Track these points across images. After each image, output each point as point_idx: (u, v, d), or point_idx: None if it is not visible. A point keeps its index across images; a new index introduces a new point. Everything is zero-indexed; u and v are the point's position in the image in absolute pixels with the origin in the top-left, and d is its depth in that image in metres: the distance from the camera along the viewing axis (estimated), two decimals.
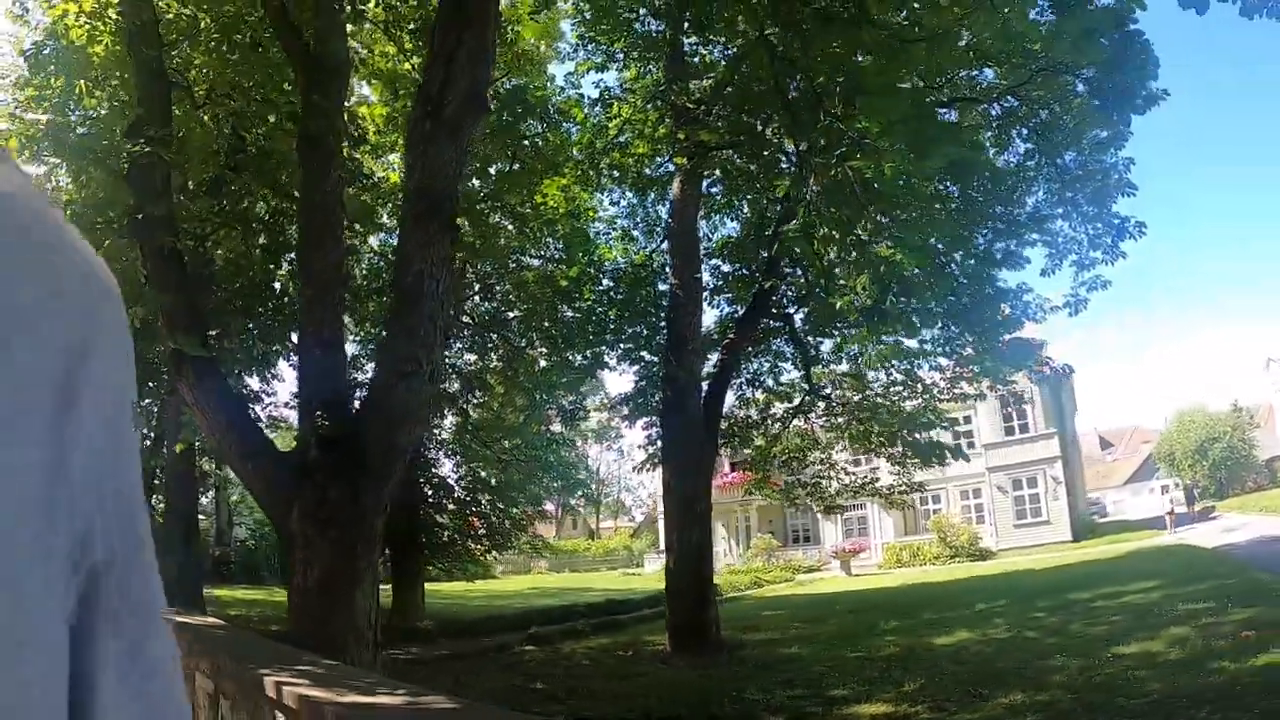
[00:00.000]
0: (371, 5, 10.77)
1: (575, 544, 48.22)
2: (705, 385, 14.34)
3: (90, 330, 0.46)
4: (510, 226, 17.36)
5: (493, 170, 16.05)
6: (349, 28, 10.81)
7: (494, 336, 19.29)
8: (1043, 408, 32.65)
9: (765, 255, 15.18)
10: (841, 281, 12.98)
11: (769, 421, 18.28)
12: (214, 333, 10.20)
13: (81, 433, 0.45)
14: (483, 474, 21.02)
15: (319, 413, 7.73)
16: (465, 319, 20.13)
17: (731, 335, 14.91)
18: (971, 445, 33.98)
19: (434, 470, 20.60)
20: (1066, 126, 14.67)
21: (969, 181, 12.45)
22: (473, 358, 20.26)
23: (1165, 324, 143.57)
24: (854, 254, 11.57)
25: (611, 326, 15.85)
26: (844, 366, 18.41)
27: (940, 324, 16.67)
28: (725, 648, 12.60)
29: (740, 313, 15.45)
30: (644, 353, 15.98)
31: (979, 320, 16.57)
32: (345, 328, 9.37)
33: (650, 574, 35.99)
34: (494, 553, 21.59)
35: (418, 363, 7.65)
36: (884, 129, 8.17)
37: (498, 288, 19.01)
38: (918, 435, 18.50)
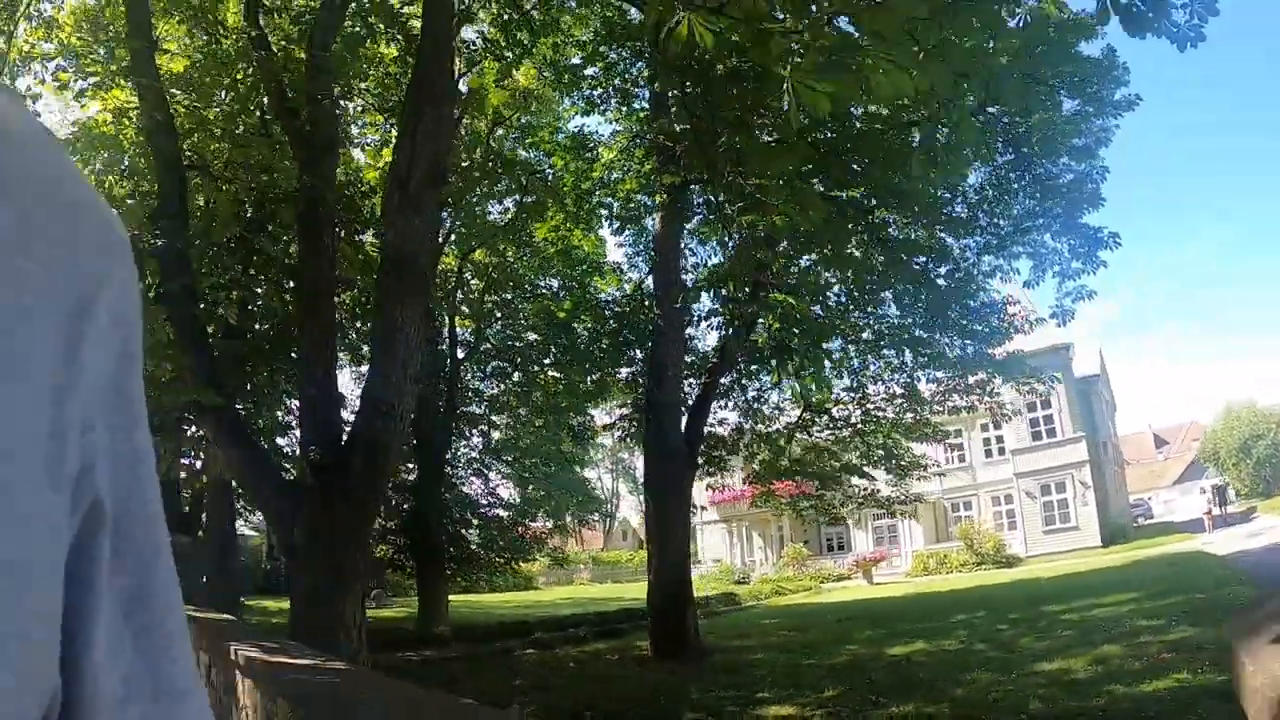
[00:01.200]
0: (359, 84, 12.43)
1: (617, 554, 49.95)
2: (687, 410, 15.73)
3: (101, 269, 0.48)
4: (524, 258, 19.09)
5: (509, 203, 17.65)
6: (342, 102, 12.52)
7: (512, 361, 21.04)
8: (1069, 412, 33.29)
9: (745, 285, 16.53)
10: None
11: (769, 438, 19.51)
12: (237, 380, 12.06)
13: (87, 373, 0.47)
14: (503, 492, 22.77)
15: (312, 448, 9.38)
16: (487, 344, 21.94)
17: (714, 361, 16.26)
18: (1001, 451, 34.89)
19: (460, 489, 22.31)
20: (1046, 135, 15.76)
21: (908, 209, 13.58)
22: (494, 381, 22.08)
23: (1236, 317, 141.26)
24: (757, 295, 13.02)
25: (603, 356, 17.24)
26: (846, 380, 19.59)
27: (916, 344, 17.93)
28: (702, 653, 13.93)
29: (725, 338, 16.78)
30: (640, 379, 17.34)
31: (969, 333, 17.78)
32: (336, 376, 10.90)
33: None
34: (514, 564, 23.11)
35: (391, 405, 9.26)
36: (767, 189, 9.51)
37: (514, 315, 20.72)
38: (900, 450, 19.49)
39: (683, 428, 15.30)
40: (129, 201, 11.03)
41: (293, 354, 14.64)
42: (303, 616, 8.90)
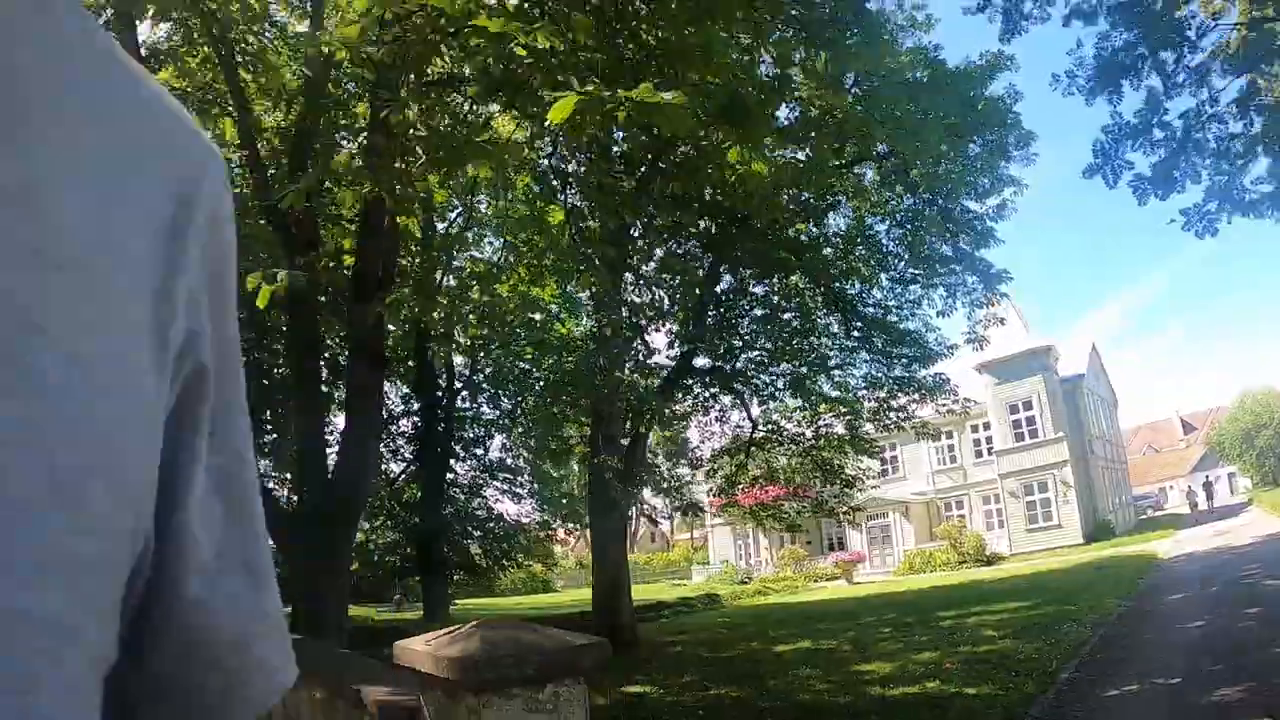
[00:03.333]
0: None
1: (634, 557, 53.18)
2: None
3: (197, 172, 0.55)
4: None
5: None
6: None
7: (499, 391, 24.52)
8: (1051, 413, 35.84)
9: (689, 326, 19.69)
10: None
11: (727, 454, 22.69)
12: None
13: (191, 257, 0.52)
14: (501, 507, 26.32)
15: (305, 488, 12.89)
16: (478, 375, 25.42)
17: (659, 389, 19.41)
18: (990, 451, 37.62)
19: (463, 506, 25.83)
20: (952, 180, 18.77)
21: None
22: (489, 407, 25.60)
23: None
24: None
25: (562, 395, 20.42)
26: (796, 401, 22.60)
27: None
28: (633, 646, 17.12)
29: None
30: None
31: (898, 357, 20.86)
32: (324, 435, 14.15)
33: (694, 584, 40.69)
34: (506, 570, 26.65)
35: (362, 450, 12.70)
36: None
37: (500, 350, 24.10)
38: (839, 462, 22.43)
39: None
40: None
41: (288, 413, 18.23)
42: (301, 617, 12.32)
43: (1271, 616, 11.42)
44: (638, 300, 19.73)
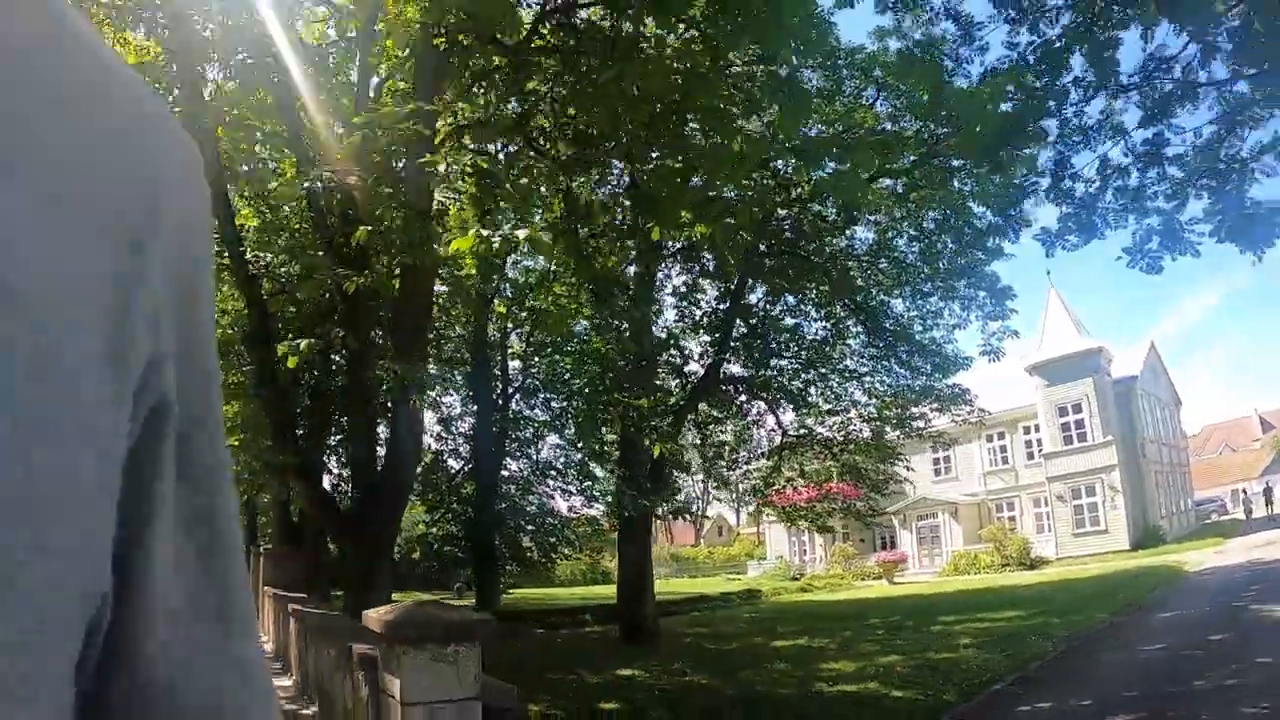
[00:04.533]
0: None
1: (695, 551, 55.64)
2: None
3: (163, 175, 0.50)
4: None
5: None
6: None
7: (550, 394, 26.92)
8: (1100, 417, 36.81)
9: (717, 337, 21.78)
10: None
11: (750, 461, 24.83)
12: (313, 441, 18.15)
13: (154, 271, 0.47)
14: (548, 503, 28.74)
15: (357, 489, 15.37)
16: (531, 380, 27.83)
17: (681, 404, 21.51)
18: (1038, 454, 38.82)
19: (515, 502, 28.25)
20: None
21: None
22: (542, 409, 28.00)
23: None
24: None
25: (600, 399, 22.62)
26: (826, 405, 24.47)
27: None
28: (654, 637, 19.25)
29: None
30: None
31: (920, 369, 22.67)
32: (375, 442, 16.54)
33: (748, 578, 42.71)
34: (553, 562, 29.14)
35: (402, 459, 15.11)
36: None
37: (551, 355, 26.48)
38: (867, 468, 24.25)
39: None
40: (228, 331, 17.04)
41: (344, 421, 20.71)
42: (350, 602, 14.72)
43: (1229, 646, 12.20)
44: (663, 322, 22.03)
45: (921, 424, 23.17)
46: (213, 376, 0.56)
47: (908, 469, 24.91)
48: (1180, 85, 10.89)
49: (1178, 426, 46.67)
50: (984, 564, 35.55)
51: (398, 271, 11.41)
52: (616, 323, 19.36)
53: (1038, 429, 38.95)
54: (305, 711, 9.77)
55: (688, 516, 47.67)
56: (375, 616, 5.61)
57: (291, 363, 9.09)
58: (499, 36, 10.96)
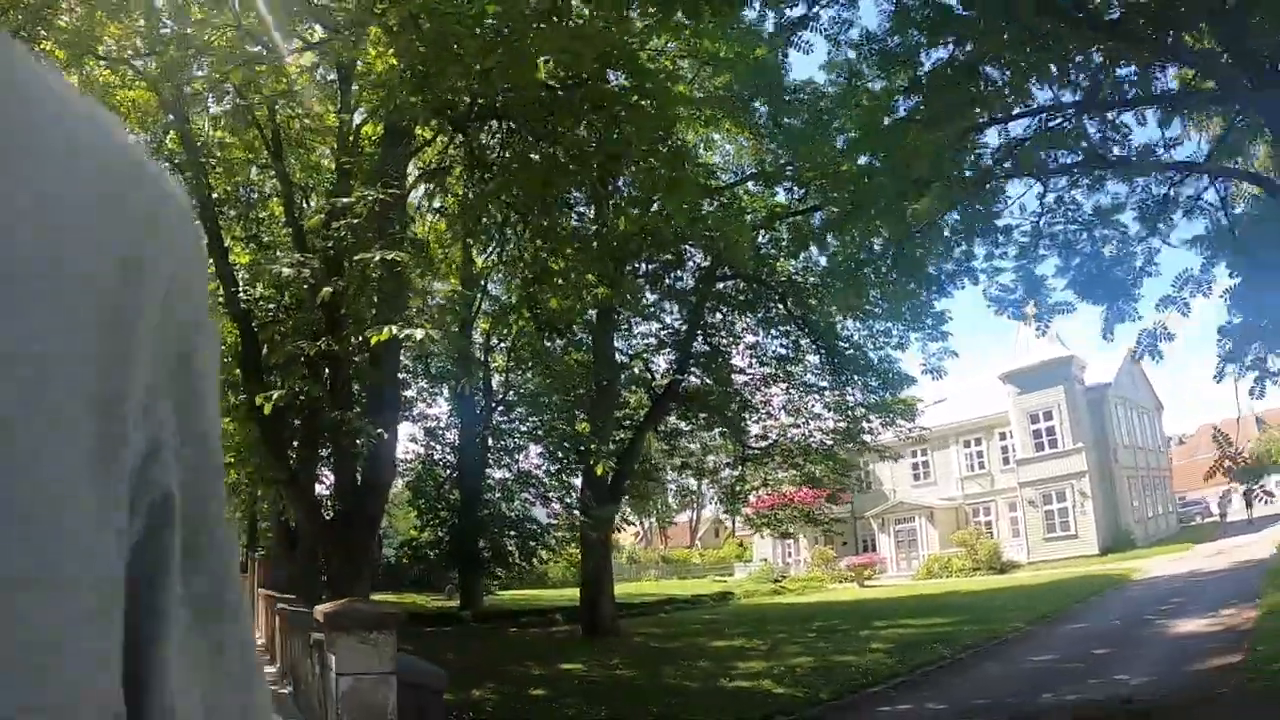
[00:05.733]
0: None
1: (686, 553, 58.43)
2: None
3: (147, 232, 0.46)
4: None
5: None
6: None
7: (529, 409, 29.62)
8: (1070, 424, 39.27)
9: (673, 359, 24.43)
10: None
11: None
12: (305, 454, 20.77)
13: (144, 343, 0.45)
14: (530, 510, 31.48)
15: (339, 497, 18.04)
16: (513, 393, 30.52)
17: (639, 422, 24.16)
18: (1013, 460, 41.30)
19: (496, 508, 30.96)
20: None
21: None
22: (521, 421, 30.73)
23: None
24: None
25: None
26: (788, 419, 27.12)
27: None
28: (612, 634, 21.85)
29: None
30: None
31: (870, 386, 25.26)
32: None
33: (734, 580, 45.36)
34: (530, 565, 31.86)
35: (380, 480, 17.75)
36: None
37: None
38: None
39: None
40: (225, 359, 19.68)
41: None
42: (333, 595, 17.35)
43: (1101, 661, 13.74)
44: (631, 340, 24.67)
45: (869, 438, 25.69)
46: (214, 446, 0.53)
47: (861, 479, 27.41)
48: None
49: (1158, 431, 48.88)
50: (956, 568, 37.98)
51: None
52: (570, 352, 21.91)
53: (1012, 435, 41.43)
54: (283, 690, 12.42)
55: (669, 521, 50.51)
56: (320, 610, 8.23)
57: (267, 409, 11.64)
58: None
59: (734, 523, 68.01)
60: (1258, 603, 17.13)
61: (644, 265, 22.32)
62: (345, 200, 12.34)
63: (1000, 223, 14.61)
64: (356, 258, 11.35)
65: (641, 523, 51.95)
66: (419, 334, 9.93)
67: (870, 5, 14.07)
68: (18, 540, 0.37)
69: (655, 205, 15.79)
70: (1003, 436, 42.14)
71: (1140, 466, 43.52)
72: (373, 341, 10.31)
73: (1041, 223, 13.67)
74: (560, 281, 17.73)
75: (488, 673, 15.04)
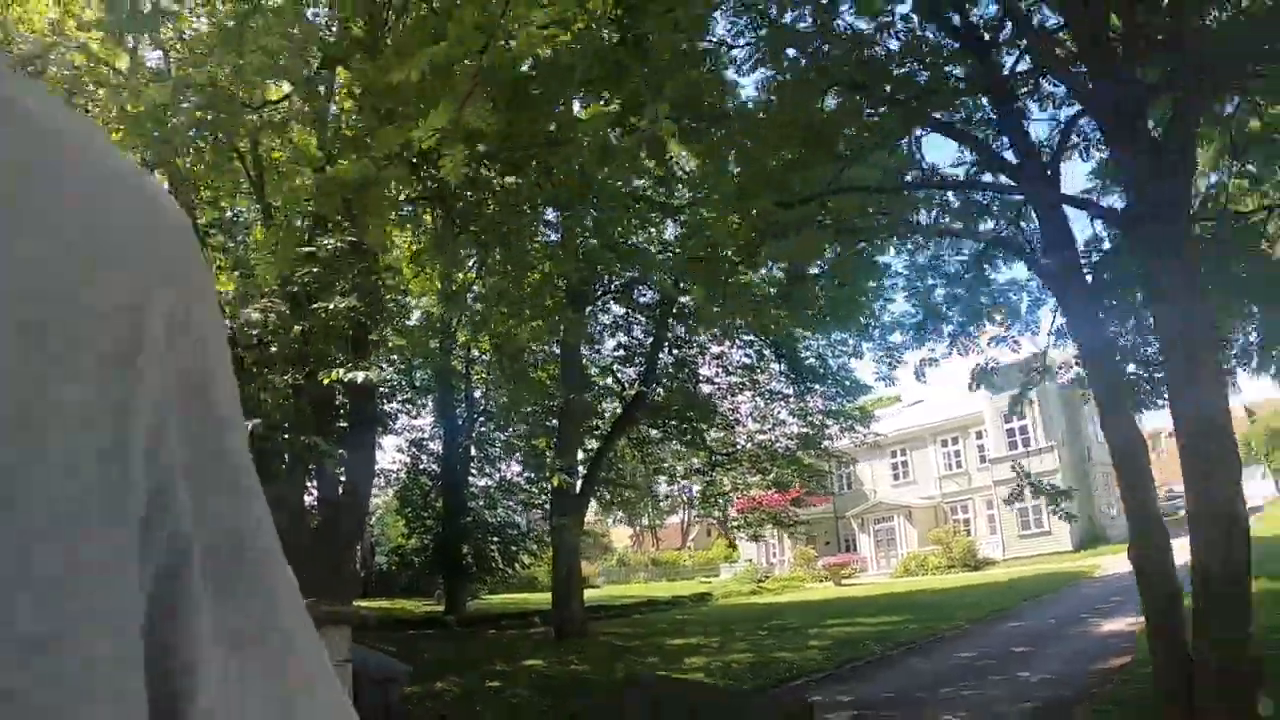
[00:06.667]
0: None
1: (675, 554, 60.63)
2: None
3: (150, 268, 0.45)
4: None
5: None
6: None
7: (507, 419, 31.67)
8: (1042, 423, 41.24)
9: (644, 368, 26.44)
10: None
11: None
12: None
13: (142, 412, 0.43)
14: (513, 517, 33.59)
15: (320, 511, 20.11)
16: (493, 406, 32.59)
17: (609, 429, 26.17)
18: (984, 460, 43.28)
19: (479, 515, 33.05)
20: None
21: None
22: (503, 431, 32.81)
23: None
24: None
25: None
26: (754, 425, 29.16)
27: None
28: (581, 634, 23.84)
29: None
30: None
31: (829, 394, 27.26)
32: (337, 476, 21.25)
33: (719, 581, 47.41)
34: (513, 569, 33.95)
35: (357, 492, 19.82)
36: None
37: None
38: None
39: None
40: None
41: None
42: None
43: (1015, 659, 15.03)
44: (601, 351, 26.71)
45: (829, 443, 27.73)
46: (240, 470, 0.52)
47: (842, 480, 29.33)
48: None
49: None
50: (932, 566, 39.97)
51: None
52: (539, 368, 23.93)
53: (988, 434, 43.43)
54: None
55: (659, 523, 52.54)
56: None
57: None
58: None
59: (707, 526, 70.26)
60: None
61: (609, 280, 24.27)
62: (308, 249, 14.26)
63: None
64: (314, 306, 13.16)
65: (634, 525, 53.91)
66: (360, 376, 11.85)
67: None
68: (32, 603, 0.37)
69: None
70: (979, 436, 44.11)
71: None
72: (324, 382, 12.20)
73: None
74: (527, 312, 19.78)
75: (456, 669, 16.97)
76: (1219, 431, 7.37)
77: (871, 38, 9.82)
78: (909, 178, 10.88)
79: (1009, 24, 9.61)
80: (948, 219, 12.23)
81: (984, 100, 10.37)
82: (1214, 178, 12.98)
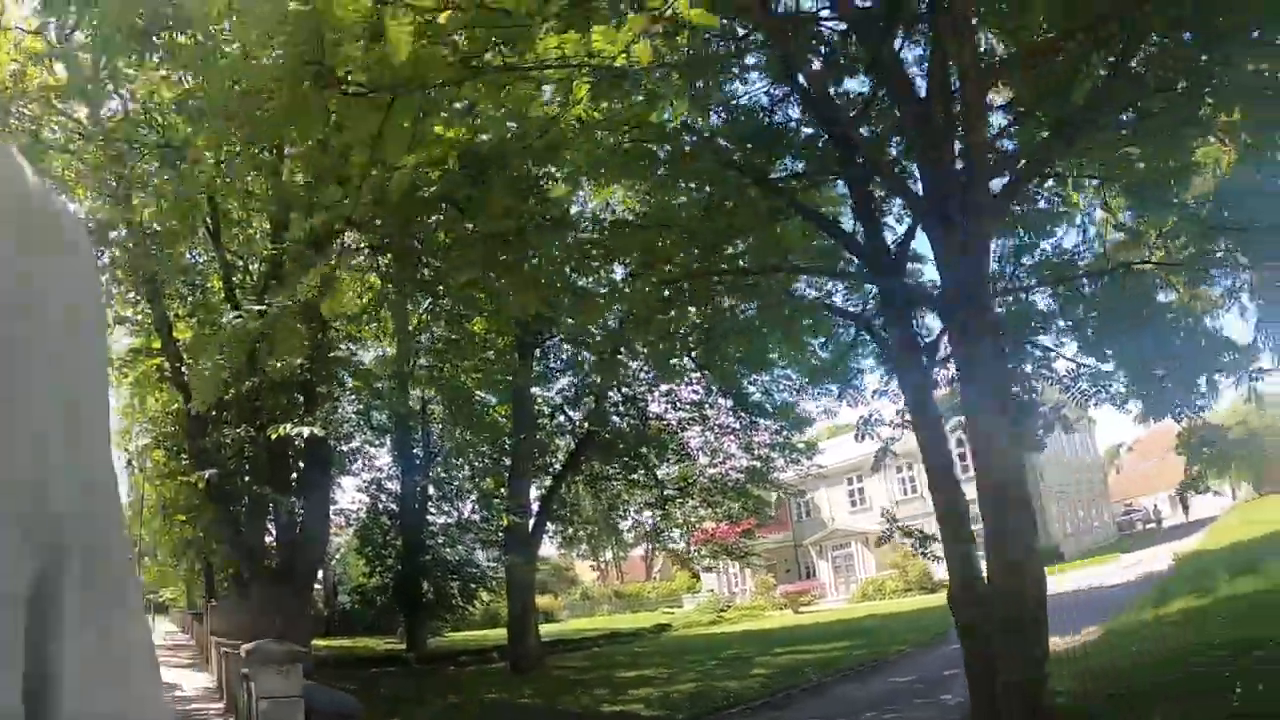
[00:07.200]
0: None
1: (639, 586, 61.75)
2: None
3: (37, 269, 0.46)
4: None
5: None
6: None
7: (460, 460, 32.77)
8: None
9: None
10: None
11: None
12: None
13: (22, 405, 0.46)
14: (472, 553, 34.63)
15: (279, 553, 21.13)
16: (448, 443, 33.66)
17: (560, 466, 27.38)
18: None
19: (444, 555, 34.03)
20: None
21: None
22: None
23: None
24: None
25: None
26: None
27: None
28: (537, 667, 24.93)
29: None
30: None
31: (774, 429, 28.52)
32: (296, 517, 22.27)
33: (682, 612, 48.51)
34: (470, 605, 34.94)
35: (317, 534, 20.87)
36: None
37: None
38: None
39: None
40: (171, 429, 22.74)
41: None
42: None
43: (947, 682, 15.37)
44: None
45: (779, 475, 29.03)
46: (108, 486, 0.55)
47: (771, 515, 30.58)
48: None
49: (1092, 445, 52.56)
50: (889, 590, 41.27)
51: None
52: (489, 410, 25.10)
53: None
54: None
55: (623, 556, 53.68)
56: (244, 648, 11.35)
57: (201, 485, 14.66)
58: None
59: (669, 558, 71.57)
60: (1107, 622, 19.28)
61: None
62: (258, 308, 15.34)
63: None
64: (263, 367, 14.25)
65: (597, 560, 54.95)
66: (306, 431, 12.99)
67: None
68: None
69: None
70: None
71: (1071, 481, 46.98)
72: (272, 437, 13.31)
73: None
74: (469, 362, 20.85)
75: (411, 705, 17.96)
76: (1017, 502, 8.57)
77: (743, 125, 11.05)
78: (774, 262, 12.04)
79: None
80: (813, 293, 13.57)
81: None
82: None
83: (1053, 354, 14.10)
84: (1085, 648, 16.64)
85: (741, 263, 11.87)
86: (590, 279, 12.41)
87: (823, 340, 15.44)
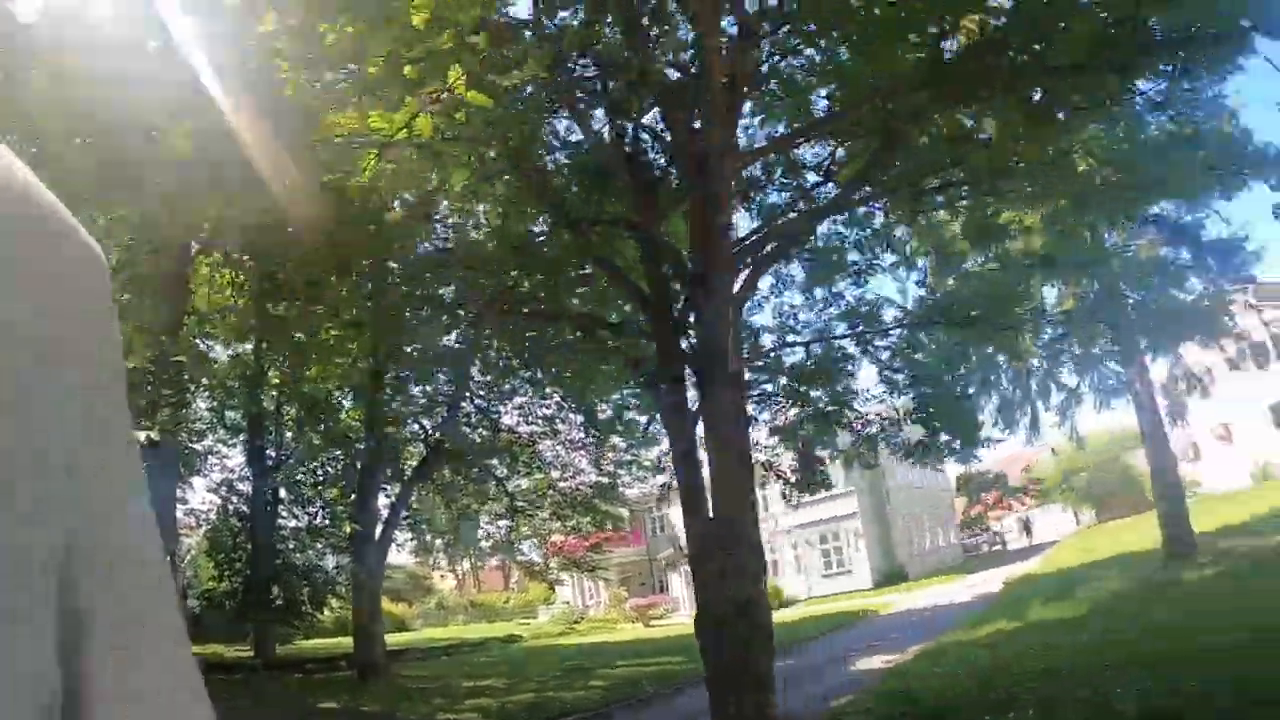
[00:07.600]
0: None
1: (496, 596, 62.30)
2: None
3: (70, 301, 0.46)
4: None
5: None
6: None
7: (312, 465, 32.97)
8: (843, 470, 44.61)
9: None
10: None
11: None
12: None
13: (30, 451, 0.43)
14: (323, 558, 34.78)
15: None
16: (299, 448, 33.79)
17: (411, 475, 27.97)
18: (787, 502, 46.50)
19: (294, 560, 34.07)
20: None
21: None
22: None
23: None
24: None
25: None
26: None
27: None
28: (383, 675, 25.37)
29: None
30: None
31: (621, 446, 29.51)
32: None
33: (536, 623, 49.23)
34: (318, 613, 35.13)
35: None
36: None
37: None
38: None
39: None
40: None
41: None
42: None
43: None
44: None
45: (629, 490, 30.12)
46: (131, 490, 0.54)
47: (618, 528, 31.57)
48: None
49: (940, 471, 55.09)
50: None
51: None
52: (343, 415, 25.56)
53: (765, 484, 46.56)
54: None
55: (480, 566, 54.11)
56: None
57: None
58: None
59: (547, 567, 72.34)
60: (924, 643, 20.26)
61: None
62: None
63: None
64: None
65: (453, 568, 55.14)
66: (142, 436, 13.45)
67: None
68: None
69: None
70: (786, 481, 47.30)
71: (919, 506, 49.26)
72: None
73: None
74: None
75: (251, 713, 18.23)
76: (749, 543, 9.78)
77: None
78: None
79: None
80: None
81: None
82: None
83: (851, 398, 15.18)
84: (897, 666, 17.96)
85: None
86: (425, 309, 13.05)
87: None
